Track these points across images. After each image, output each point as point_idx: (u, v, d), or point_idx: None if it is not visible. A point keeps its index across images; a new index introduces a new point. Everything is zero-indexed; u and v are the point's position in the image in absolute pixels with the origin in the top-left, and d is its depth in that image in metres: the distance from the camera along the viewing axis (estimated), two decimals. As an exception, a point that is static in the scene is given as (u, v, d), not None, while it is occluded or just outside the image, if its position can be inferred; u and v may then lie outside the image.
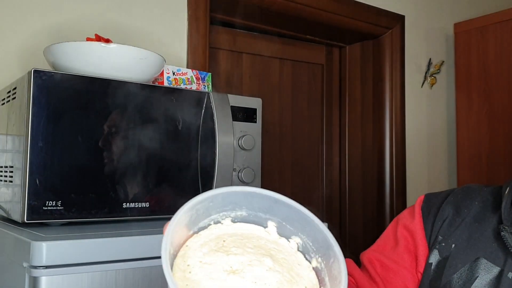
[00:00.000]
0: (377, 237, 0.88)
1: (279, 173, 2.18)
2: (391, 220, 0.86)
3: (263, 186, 1.27)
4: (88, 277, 0.79)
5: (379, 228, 2.19)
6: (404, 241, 0.79)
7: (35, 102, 0.92)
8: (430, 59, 2.44)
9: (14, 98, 1.02)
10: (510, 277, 0.65)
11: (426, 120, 2.44)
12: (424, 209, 0.80)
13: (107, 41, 1.11)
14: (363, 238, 2.31)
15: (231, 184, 1.15)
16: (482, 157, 2.34)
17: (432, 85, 2.45)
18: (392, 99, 2.28)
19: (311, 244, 0.48)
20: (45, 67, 1.05)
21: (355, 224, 2.36)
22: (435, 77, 2.46)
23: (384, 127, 2.28)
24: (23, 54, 1.36)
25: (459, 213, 0.76)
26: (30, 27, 1.38)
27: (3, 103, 1.11)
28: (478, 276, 0.67)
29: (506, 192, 0.72)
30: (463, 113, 2.44)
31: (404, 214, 0.84)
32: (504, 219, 0.69)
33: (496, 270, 0.67)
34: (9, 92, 1.06)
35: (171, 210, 1.08)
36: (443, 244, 0.74)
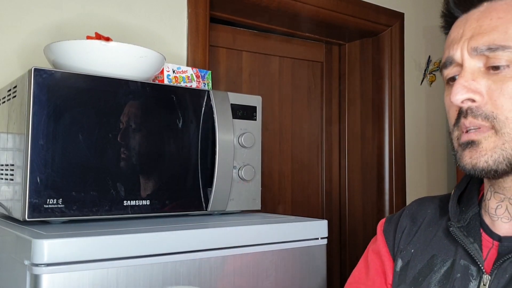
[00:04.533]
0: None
1: (279, 170, 2.18)
2: (391, 216, 0.91)
3: (264, 184, 1.27)
4: (90, 274, 0.79)
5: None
6: (374, 264, 0.87)
7: (35, 101, 0.93)
8: (429, 57, 2.44)
9: (15, 96, 1.02)
10: (462, 264, 0.72)
11: (426, 117, 2.44)
12: (385, 229, 0.88)
13: (107, 39, 1.11)
14: (363, 234, 2.32)
15: (232, 182, 1.15)
16: (482, 154, 2.34)
17: (431, 82, 2.45)
18: (391, 96, 2.28)
19: None
20: (45, 65, 1.05)
21: (355, 221, 2.37)
22: (434, 74, 2.46)
23: (384, 124, 2.28)
24: (24, 53, 1.36)
25: (415, 223, 0.85)
26: (30, 25, 1.38)
27: (4, 102, 1.11)
28: (435, 270, 0.76)
29: (453, 193, 0.80)
30: (463, 111, 2.44)
31: (372, 240, 0.92)
32: (451, 217, 0.77)
33: (449, 261, 0.75)
34: (10, 90, 1.06)
35: (172, 207, 1.09)
36: (404, 252, 0.82)
